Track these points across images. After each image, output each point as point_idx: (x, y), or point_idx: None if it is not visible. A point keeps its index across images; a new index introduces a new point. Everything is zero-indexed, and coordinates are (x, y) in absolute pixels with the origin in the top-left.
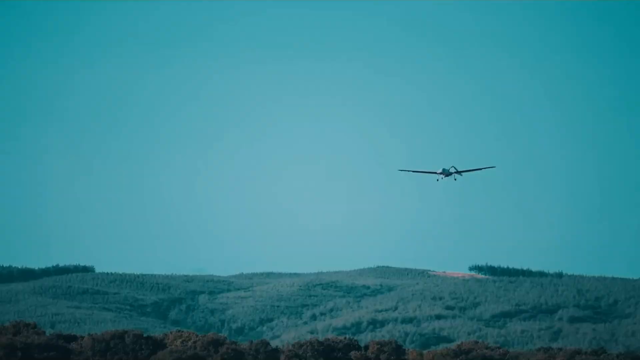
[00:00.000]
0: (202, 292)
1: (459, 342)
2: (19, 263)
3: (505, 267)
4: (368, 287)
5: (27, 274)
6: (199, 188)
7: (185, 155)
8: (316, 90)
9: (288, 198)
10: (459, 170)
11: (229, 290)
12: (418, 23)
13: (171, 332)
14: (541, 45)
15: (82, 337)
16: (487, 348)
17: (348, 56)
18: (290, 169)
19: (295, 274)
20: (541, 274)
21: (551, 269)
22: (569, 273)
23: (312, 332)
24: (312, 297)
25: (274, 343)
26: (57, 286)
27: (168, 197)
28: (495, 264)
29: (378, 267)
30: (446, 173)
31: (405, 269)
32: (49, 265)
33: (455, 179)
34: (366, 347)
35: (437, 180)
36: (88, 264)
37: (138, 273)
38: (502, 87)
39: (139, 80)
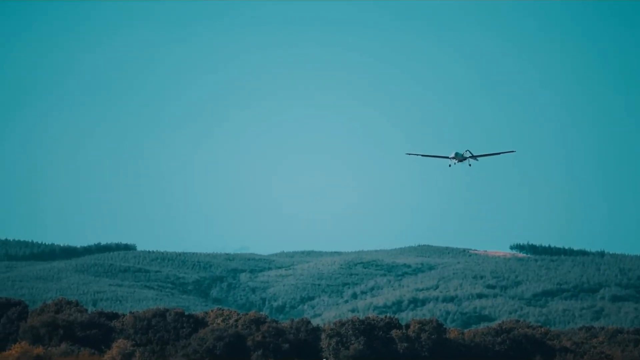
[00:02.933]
0: (244, 271)
1: (500, 321)
2: (61, 241)
3: (547, 245)
4: (409, 266)
5: (69, 252)
6: (241, 167)
7: (225, 134)
8: (343, 68)
9: (329, 177)
10: (475, 154)
11: (270, 269)
12: (421, 7)
13: (212, 311)
14: (553, 25)
15: (124, 315)
16: (528, 327)
17: (351, 41)
18: (329, 150)
19: (336, 252)
20: (583, 253)
21: (593, 247)
22: (611, 252)
23: (352, 311)
24: (353, 276)
25: (315, 322)
26: (99, 264)
27: (211, 176)
28: (536, 242)
29: (419, 245)
30: (460, 158)
31: (446, 248)
32: (91, 243)
33: (469, 165)
34: (407, 326)
35: (450, 165)
36: (130, 242)
37: (179, 251)
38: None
39: (156, 57)
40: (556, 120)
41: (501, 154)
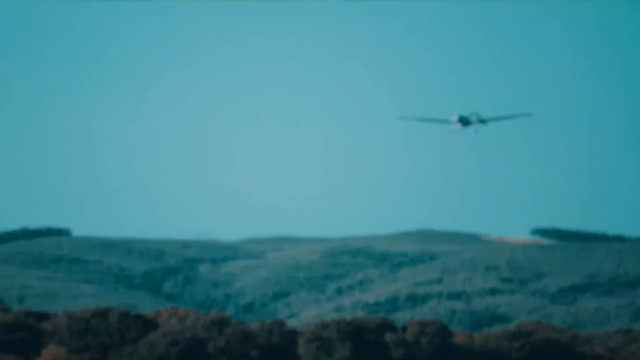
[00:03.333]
0: (203, 261)
1: (518, 323)
2: None
3: (576, 230)
4: (406, 255)
5: None
6: (199, 136)
7: (184, 99)
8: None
9: (307, 148)
10: (483, 118)
11: (235, 259)
12: None
13: (165, 310)
14: None
15: (57, 315)
16: (552, 330)
17: None
18: (306, 115)
19: (317, 238)
20: (620, 239)
21: (633, 232)
22: None
23: (337, 310)
24: (337, 267)
25: (291, 323)
26: (25, 253)
27: (163, 146)
28: (563, 226)
29: (418, 230)
30: (464, 122)
31: (452, 233)
32: (16, 227)
33: (477, 131)
34: (404, 329)
35: (452, 132)
36: (63, 225)
37: (125, 237)
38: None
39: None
40: (586, 74)
41: (516, 118)
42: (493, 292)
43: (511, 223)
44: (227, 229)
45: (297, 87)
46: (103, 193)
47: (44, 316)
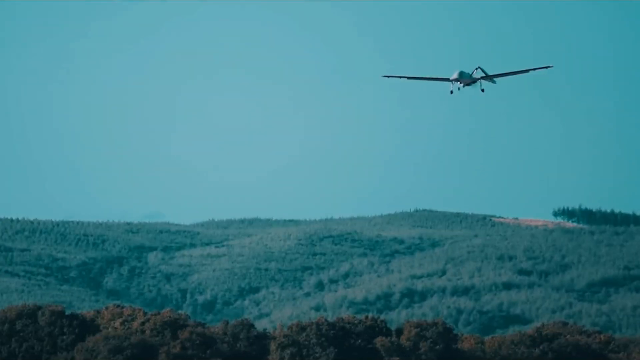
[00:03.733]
0: (154, 249)
1: (538, 324)
2: None
3: (608, 211)
4: (401, 241)
5: None
6: (143, 94)
7: (119, 50)
8: None
9: (277, 111)
10: (489, 74)
11: (193, 246)
12: None
13: (107, 308)
14: None
15: None
16: (581, 333)
17: None
18: (275, 71)
19: (292, 220)
20: None
21: None
22: None
23: (317, 309)
24: (317, 257)
25: (260, 325)
26: None
27: (101, 110)
28: (592, 206)
29: (417, 211)
30: (466, 80)
31: (457, 214)
32: None
33: (482, 90)
34: (399, 331)
35: (451, 92)
36: None
37: (57, 220)
38: None
39: None
40: (617, 25)
41: (531, 72)
42: (508, 286)
43: (529, 202)
44: (182, 210)
45: (263, 33)
46: (30, 167)
47: None
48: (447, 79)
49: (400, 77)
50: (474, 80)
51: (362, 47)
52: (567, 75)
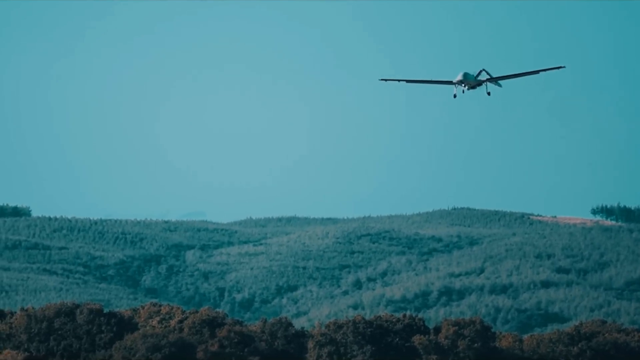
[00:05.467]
0: (192, 247)
1: (577, 323)
2: None
3: None
4: (439, 240)
5: None
6: (182, 95)
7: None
8: None
9: (315, 110)
10: (494, 76)
11: (231, 244)
12: None
13: (144, 307)
14: None
15: (13, 314)
16: (619, 331)
17: None
18: (318, 77)
19: (330, 219)
20: None
21: None
22: None
23: (355, 307)
24: (355, 255)
25: (298, 323)
26: None
27: (142, 108)
28: (631, 204)
29: (455, 209)
30: (471, 82)
31: (496, 212)
32: None
33: (488, 93)
34: (437, 330)
35: (455, 95)
36: (21, 204)
37: (95, 218)
38: None
39: None
40: None
41: (542, 72)
42: (546, 285)
43: (567, 200)
44: (222, 209)
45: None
46: (69, 165)
47: None
48: (450, 82)
49: (399, 80)
50: (479, 83)
51: (390, 53)
52: (600, 70)
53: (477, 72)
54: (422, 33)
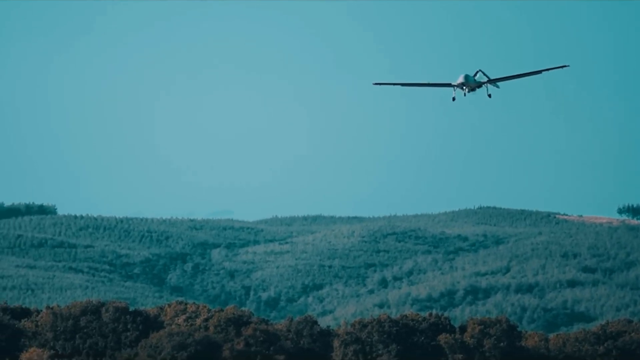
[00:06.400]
0: (217, 245)
1: (603, 322)
2: None
3: None
4: (465, 239)
5: None
6: (208, 99)
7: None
8: None
9: (338, 108)
10: (492, 78)
11: (256, 243)
12: None
13: (170, 305)
14: None
15: (39, 312)
16: None
17: None
18: (339, 73)
19: (355, 217)
20: None
21: None
22: None
23: (380, 306)
24: (381, 253)
25: (324, 321)
26: (1, 235)
27: (166, 106)
28: None
29: (480, 208)
30: (471, 85)
31: (522, 212)
32: None
33: (489, 95)
34: (463, 329)
35: (453, 98)
36: (47, 202)
37: (121, 216)
38: None
39: None
40: None
41: (545, 72)
42: (572, 284)
43: (594, 199)
44: (246, 206)
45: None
46: (94, 163)
47: (24, 313)
48: (449, 84)
49: (394, 84)
50: (479, 85)
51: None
52: (627, 67)
53: (474, 73)
54: (421, 33)
